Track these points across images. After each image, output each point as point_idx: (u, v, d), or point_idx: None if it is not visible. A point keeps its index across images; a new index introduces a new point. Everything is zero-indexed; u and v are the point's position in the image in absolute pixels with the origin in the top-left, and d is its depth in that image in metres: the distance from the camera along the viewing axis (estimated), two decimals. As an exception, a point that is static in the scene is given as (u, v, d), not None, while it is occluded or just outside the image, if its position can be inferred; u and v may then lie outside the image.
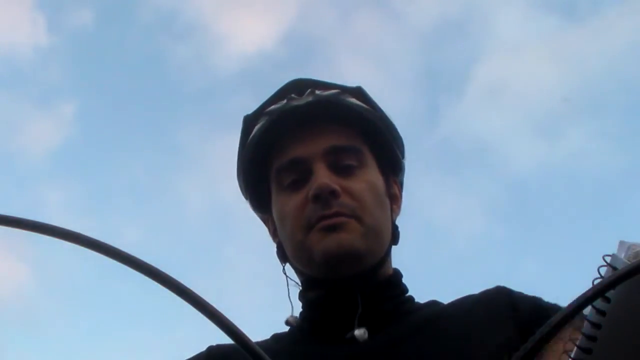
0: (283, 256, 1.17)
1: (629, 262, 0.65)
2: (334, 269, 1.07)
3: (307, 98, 1.13)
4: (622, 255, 0.68)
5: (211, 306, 0.59)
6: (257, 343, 1.10)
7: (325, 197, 1.06)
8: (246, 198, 1.22)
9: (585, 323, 0.70)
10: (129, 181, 5.23)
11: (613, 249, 0.71)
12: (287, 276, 1.17)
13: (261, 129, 1.14)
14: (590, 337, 0.69)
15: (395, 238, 1.16)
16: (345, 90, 1.17)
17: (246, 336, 0.61)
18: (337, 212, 1.06)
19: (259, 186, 1.18)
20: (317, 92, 1.14)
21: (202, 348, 1.16)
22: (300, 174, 1.11)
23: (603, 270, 0.68)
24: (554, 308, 1.05)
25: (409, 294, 1.15)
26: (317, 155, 1.10)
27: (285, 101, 1.14)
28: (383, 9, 5.39)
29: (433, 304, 1.15)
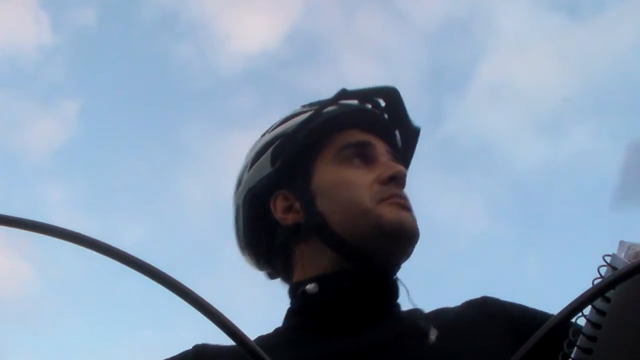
0: (318, 227, 1.12)
1: (629, 262, 0.65)
2: (400, 241, 1.10)
3: (387, 112, 1.24)
4: (622, 255, 0.68)
5: (211, 306, 0.59)
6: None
7: (399, 182, 1.13)
8: (273, 164, 1.18)
9: (585, 323, 0.70)
10: (131, 180, 5.22)
11: (614, 249, 0.71)
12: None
13: (344, 111, 1.21)
14: (590, 337, 0.69)
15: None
16: (408, 124, 1.26)
17: (246, 336, 0.61)
18: (407, 198, 1.13)
19: (302, 155, 1.18)
20: (388, 113, 1.24)
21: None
22: (365, 157, 1.16)
23: (603, 270, 0.68)
24: (544, 315, 1.07)
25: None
26: (383, 149, 1.19)
27: (367, 103, 1.23)
28: (387, 7, 5.38)
29: (418, 310, 1.15)
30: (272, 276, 1.25)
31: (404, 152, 1.25)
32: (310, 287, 1.10)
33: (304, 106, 1.25)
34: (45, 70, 5.31)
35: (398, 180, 1.13)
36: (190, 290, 0.58)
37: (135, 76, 5.31)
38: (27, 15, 5.36)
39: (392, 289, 1.12)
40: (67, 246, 0.59)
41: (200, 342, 1.13)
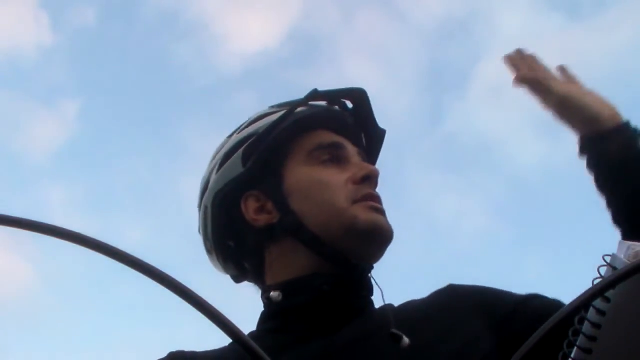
0: (294, 228, 1.13)
1: (629, 262, 0.65)
2: (372, 242, 1.12)
3: (355, 113, 1.26)
4: (622, 255, 0.68)
5: (211, 306, 0.59)
6: (218, 350, 1.11)
7: (374, 181, 1.17)
8: (244, 164, 1.18)
9: (586, 323, 0.70)
10: (131, 179, 5.23)
11: (614, 249, 0.71)
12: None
13: (314, 112, 1.23)
14: (590, 337, 0.69)
15: None
16: (373, 127, 1.28)
17: (246, 336, 0.61)
18: (380, 199, 1.16)
19: (273, 155, 1.19)
20: (361, 115, 1.26)
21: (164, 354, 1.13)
22: (337, 159, 1.18)
23: (603, 270, 0.68)
24: (508, 294, 1.13)
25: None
26: (353, 150, 1.22)
27: (334, 105, 1.26)
28: (387, 7, 5.39)
29: (390, 305, 1.16)
30: (238, 279, 1.25)
31: (369, 155, 1.27)
32: (274, 294, 1.11)
33: (272, 107, 1.26)
34: (45, 70, 5.32)
35: (371, 180, 1.16)
36: (190, 290, 0.58)
37: (136, 76, 5.31)
38: (27, 15, 5.37)
39: (367, 288, 1.14)
40: (67, 246, 0.59)
41: (175, 350, 1.13)
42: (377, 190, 1.18)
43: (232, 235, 1.21)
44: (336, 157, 1.18)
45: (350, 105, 1.26)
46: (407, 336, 1.02)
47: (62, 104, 5.32)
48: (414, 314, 1.11)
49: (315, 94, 1.21)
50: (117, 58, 5.33)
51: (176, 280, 0.57)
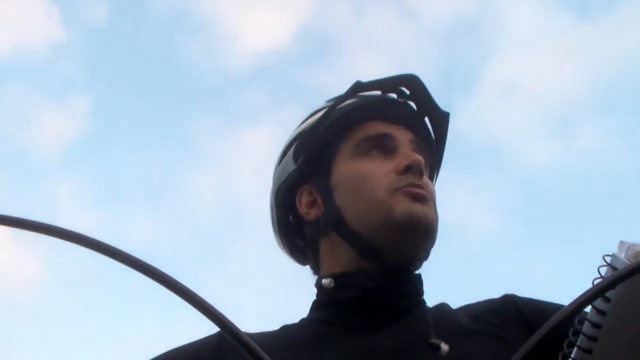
0: (335, 223, 1.13)
1: (629, 262, 0.65)
2: (409, 235, 1.08)
3: (412, 100, 1.22)
4: (622, 255, 0.68)
5: (211, 306, 0.60)
6: (266, 333, 1.12)
7: (416, 171, 1.11)
8: (296, 161, 1.20)
9: (586, 323, 0.70)
10: (141, 176, 5.24)
11: (614, 248, 0.71)
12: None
13: (361, 104, 1.20)
14: (590, 337, 0.69)
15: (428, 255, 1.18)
16: (433, 109, 1.24)
17: (245, 335, 0.61)
18: (423, 186, 1.11)
19: (323, 150, 1.19)
20: (414, 101, 1.22)
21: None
22: (385, 149, 1.15)
23: (603, 270, 0.68)
24: (556, 307, 1.05)
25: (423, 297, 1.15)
26: (404, 139, 1.17)
27: (389, 93, 1.22)
28: (397, 5, 5.37)
29: (442, 306, 1.15)
30: (314, 270, 1.24)
31: (437, 139, 1.24)
32: (325, 281, 1.11)
33: (328, 101, 1.26)
34: (56, 66, 5.33)
35: (415, 170, 1.11)
36: (191, 291, 0.58)
37: (146, 72, 5.32)
38: (39, 11, 5.39)
39: (413, 286, 1.11)
40: (71, 245, 0.59)
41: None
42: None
43: (294, 230, 1.23)
44: (383, 148, 1.16)
45: (407, 92, 1.22)
46: (448, 343, 0.99)
47: (72, 99, 5.34)
48: (462, 320, 1.08)
49: (359, 86, 1.20)
50: (127, 54, 5.34)
51: (176, 280, 0.57)
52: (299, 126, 1.26)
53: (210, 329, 1.08)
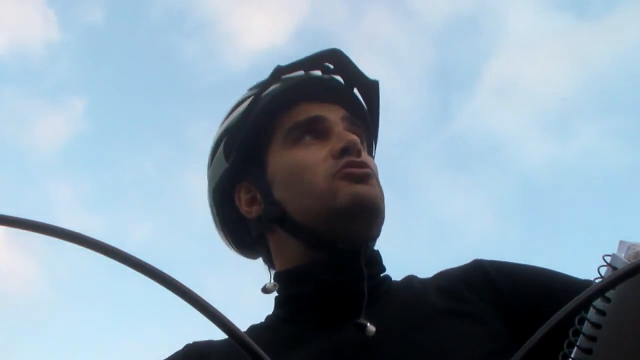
0: (279, 218, 1.09)
1: (629, 262, 0.65)
2: (357, 218, 1.04)
3: (339, 74, 1.18)
4: (622, 255, 0.68)
5: (211, 306, 0.60)
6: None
7: (353, 151, 1.07)
8: (227, 159, 1.15)
9: (586, 323, 0.70)
10: (139, 177, 5.23)
11: (614, 248, 0.71)
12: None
13: (286, 87, 1.15)
14: (590, 337, 0.69)
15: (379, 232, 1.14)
16: (360, 80, 1.20)
17: (245, 335, 0.61)
18: (364, 163, 1.07)
19: (253, 144, 1.14)
20: (340, 74, 1.19)
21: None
22: (317, 133, 1.11)
23: (603, 270, 0.68)
24: (530, 270, 1.07)
25: (385, 272, 1.12)
26: (335, 118, 1.13)
27: (313, 70, 1.18)
28: (395, 4, 5.37)
29: (409, 280, 1.12)
30: (269, 264, 1.20)
31: (369, 108, 1.20)
32: (269, 285, 1.10)
33: (250, 89, 1.21)
34: (53, 67, 5.33)
35: (352, 150, 1.07)
36: (191, 291, 0.58)
37: (143, 73, 5.32)
38: (36, 12, 5.38)
39: (372, 266, 1.08)
40: (70, 245, 0.59)
41: (191, 341, 1.12)
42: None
43: (238, 228, 1.19)
44: (315, 132, 1.11)
45: (331, 66, 1.17)
46: (420, 330, 0.98)
47: (69, 100, 5.33)
48: (432, 301, 1.05)
49: (280, 70, 1.15)
50: (125, 55, 5.33)
51: (175, 280, 0.57)
52: (224, 119, 1.21)
53: (210, 329, 1.08)
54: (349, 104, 1.17)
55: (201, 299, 0.58)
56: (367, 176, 1.06)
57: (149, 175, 5.22)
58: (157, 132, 5.24)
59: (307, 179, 1.06)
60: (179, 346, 1.13)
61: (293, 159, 1.10)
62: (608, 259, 0.68)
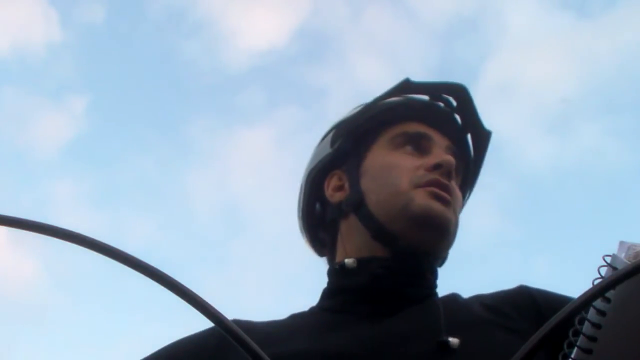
0: (356, 205, 1.15)
1: (629, 262, 0.65)
2: (423, 229, 1.09)
3: (458, 113, 1.24)
4: (622, 255, 0.68)
5: (210, 306, 0.60)
6: (274, 322, 1.12)
7: (445, 170, 1.12)
8: (332, 145, 1.23)
9: (586, 323, 0.70)
10: (139, 176, 5.23)
11: (614, 249, 0.71)
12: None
13: (406, 103, 1.23)
14: (590, 337, 0.69)
15: (444, 259, 1.18)
16: (476, 125, 1.25)
17: (245, 335, 0.61)
18: (448, 188, 1.12)
19: (360, 138, 1.22)
20: (460, 113, 1.24)
21: None
22: (420, 147, 1.17)
23: (603, 270, 0.68)
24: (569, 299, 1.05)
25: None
26: (441, 142, 1.19)
27: (437, 99, 1.24)
28: (395, 4, 5.37)
29: (453, 296, 1.15)
30: (329, 256, 1.25)
31: (476, 156, 1.25)
32: (349, 261, 1.12)
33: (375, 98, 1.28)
34: (53, 66, 5.33)
35: (444, 169, 1.12)
36: (189, 289, 0.58)
37: (143, 73, 5.32)
38: (36, 12, 5.38)
39: (424, 278, 1.11)
40: (70, 245, 0.59)
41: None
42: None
43: (317, 211, 1.26)
44: (418, 145, 1.18)
45: (454, 102, 1.24)
46: (459, 335, 0.99)
47: (70, 100, 5.33)
48: (475, 311, 1.08)
49: (406, 85, 1.22)
50: (125, 55, 5.33)
51: (176, 281, 0.57)
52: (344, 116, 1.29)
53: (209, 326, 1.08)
54: (457, 142, 1.23)
55: (200, 298, 0.58)
56: (447, 201, 1.11)
57: (149, 174, 5.22)
58: (157, 132, 5.25)
59: (393, 178, 1.14)
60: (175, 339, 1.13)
61: (389, 158, 1.17)
62: (608, 259, 0.68)
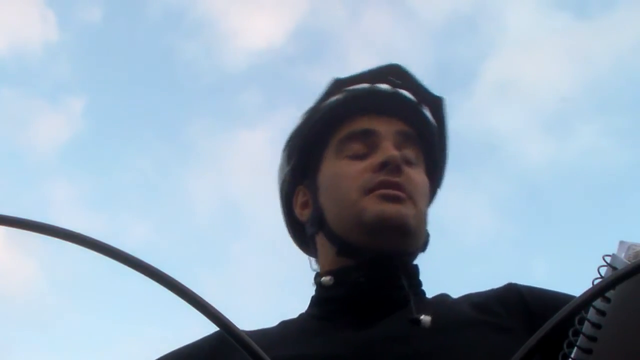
0: (319, 223, 1.15)
1: (629, 262, 0.65)
2: (381, 236, 1.08)
3: (396, 89, 1.21)
4: (622, 255, 0.68)
5: (211, 306, 0.60)
6: (265, 330, 1.12)
7: (392, 167, 1.10)
8: (288, 163, 1.22)
9: (586, 323, 0.70)
10: (137, 177, 5.24)
11: (614, 248, 0.71)
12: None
13: (345, 99, 1.20)
14: (590, 337, 0.69)
15: (424, 244, 1.17)
16: (427, 96, 1.22)
17: (246, 336, 0.61)
18: (399, 185, 1.09)
19: (311, 150, 1.20)
20: (406, 89, 1.21)
21: None
22: (366, 146, 1.15)
23: (603, 270, 0.68)
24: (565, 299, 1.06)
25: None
26: (388, 133, 1.15)
27: (377, 84, 1.21)
28: (393, 4, 5.37)
29: (442, 297, 1.15)
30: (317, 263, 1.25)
31: (437, 124, 1.22)
32: (325, 279, 1.12)
33: (337, 79, 1.25)
34: (51, 67, 5.33)
35: (391, 166, 1.10)
36: (189, 290, 0.58)
37: (142, 73, 5.32)
38: (34, 12, 5.38)
39: (406, 277, 1.10)
40: (70, 244, 0.59)
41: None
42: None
43: (297, 227, 1.24)
44: (365, 144, 1.15)
45: (398, 81, 1.21)
46: (449, 335, 1.00)
47: (67, 101, 5.33)
48: (464, 310, 1.08)
49: (338, 83, 1.20)
50: (123, 55, 5.33)
51: (175, 280, 0.57)
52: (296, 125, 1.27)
53: (210, 329, 1.08)
54: (411, 119, 1.20)
55: (200, 298, 0.58)
56: (399, 198, 1.09)
57: (148, 174, 5.22)
58: (155, 132, 5.25)
59: (343, 189, 1.12)
60: (177, 345, 1.13)
61: (338, 168, 1.15)
62: (608, 259, 0.68)
